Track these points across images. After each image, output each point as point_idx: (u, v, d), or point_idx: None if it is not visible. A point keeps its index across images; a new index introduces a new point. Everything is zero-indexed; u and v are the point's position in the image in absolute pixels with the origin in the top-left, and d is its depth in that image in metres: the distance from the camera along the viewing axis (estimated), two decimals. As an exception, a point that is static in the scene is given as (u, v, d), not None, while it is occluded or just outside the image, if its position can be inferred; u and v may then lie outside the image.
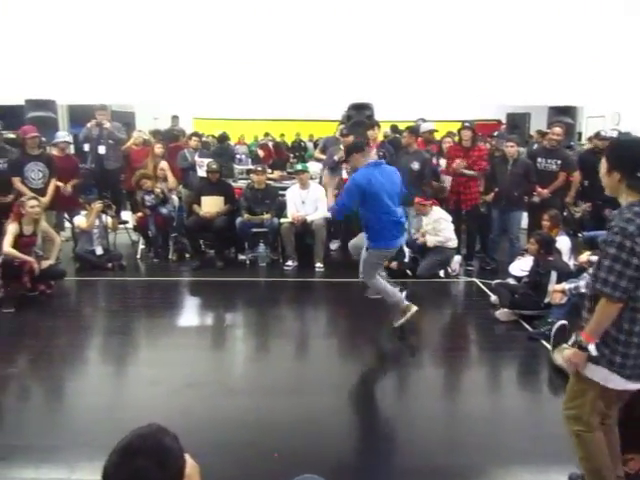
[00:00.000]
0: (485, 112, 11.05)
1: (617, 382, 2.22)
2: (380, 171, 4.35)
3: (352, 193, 4.24)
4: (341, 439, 3.24)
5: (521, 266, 5.57)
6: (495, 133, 8.56)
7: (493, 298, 5.39)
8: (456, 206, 6.61)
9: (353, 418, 3.47)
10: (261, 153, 8.21)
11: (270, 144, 11.92)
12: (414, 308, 4.57)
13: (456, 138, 6.93)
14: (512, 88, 8.85)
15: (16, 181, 6.18)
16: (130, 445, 1.24)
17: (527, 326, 4.79)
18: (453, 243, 6.32)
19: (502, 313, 4.99)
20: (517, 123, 10.04)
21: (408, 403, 3.69)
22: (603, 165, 2.27)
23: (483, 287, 5.98)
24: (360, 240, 4.88)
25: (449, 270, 6.42)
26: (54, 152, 6.86)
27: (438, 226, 6.29)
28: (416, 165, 6.62)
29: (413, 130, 7.00)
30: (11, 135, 7.45)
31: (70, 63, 8.76)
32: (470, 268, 6.63)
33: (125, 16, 8.76)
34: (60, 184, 6.53)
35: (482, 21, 8.74)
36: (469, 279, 6.35)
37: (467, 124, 6.62)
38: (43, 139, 6.58)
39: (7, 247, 5.26)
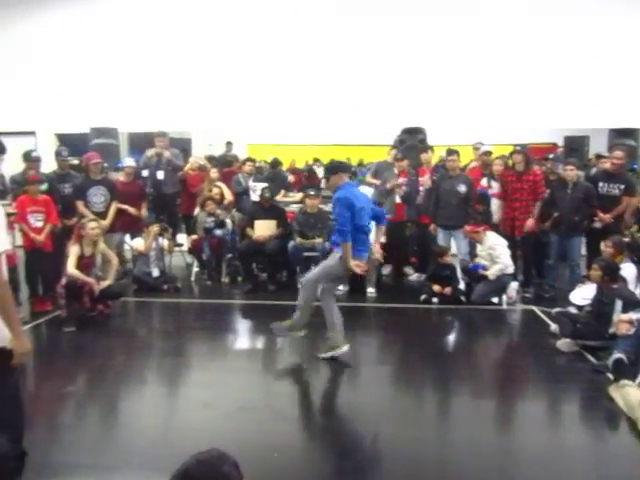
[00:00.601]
0: (540, 135, 10.79)
1: None
2: (357, 189, 4.69)
3: (344, 211, 4.29)
4: (392, 466, 3.15)
5: (583, 294, 5.34)
6: (550, 155, 8.31)
7: (553, 327, 5.17)
8: (511, 231, 6.42)
9: (403, 447, 3.35)
10: (291, 178, 8.28)
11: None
12: (347, 346, 4.50)
13: (509, 161, 6.79)
14: (570, 110, 8.64)
15: (79, 204, 6.45)
16: (187, 472, 1.23)
17: (590, 358, 4.56)
18: (510, 269, 6.12)
19: (563, 343, 4.77)
20: (575, 146, 9.75)
21: (462, 435, 3.53)
22: None
23: (542, 315, 5.76)
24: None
25: (505, 297, 6.22)
26: (120, 177, 7.16)
27: (494, 252, 6.10)
28: (463, 188, 6.51)
29: (458, 153, 6.90)
30: (75, 161, 7.82)
31: (131, 93, 9.20)
32: (527, 295, 6.41)
33: (181, 50, 9.15)
34: (124, 206, 6.79)
35: (538, 43, 8.62)
36: (526, 307, 6.13)
37: (518, 148, 6.50)
38: (105, 165, 6.86)
39: (71, 268, 5.47)
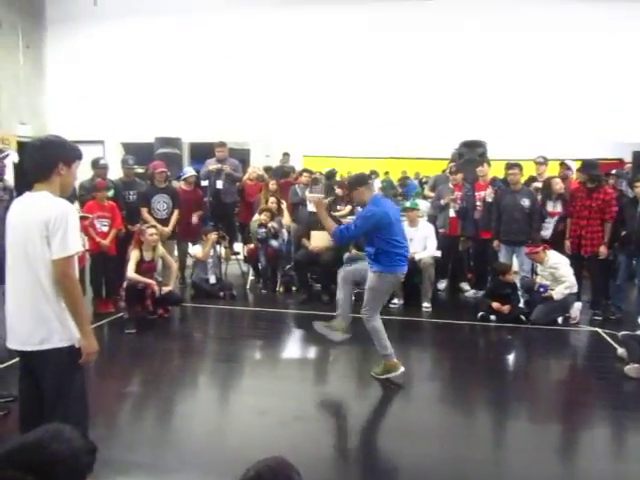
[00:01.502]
0: (606, 150, 10.39)
1: None
2: (389, 203, 4.60)
3: (367, 224, 4.22)
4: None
5: (652, 317, 5.08)
6: (613, 171, 7.95)
7: (620, 351, 4.91)
8: (577, 249, 6.18)
9: (453, 467, 3.24)
10: (339, 191, 8.27)
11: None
12: (402, 369, 4.36)
13: (574, 176, 6.54)
14: (638, 125, 8.29)
15: (144, 211, 6.68)
16: (260, 477, 1.24)
17: (662, 385, 4.32)
18: (574, 289, 5.89)
19: (632, 369, 4.52)
20: (645, 162, 9.35)
21: (516, 459, 3.37)
22: None
23: (607, 338, 5.50)
24: (355, 268, 4.76)
25: (568, 317, 5.98)
26: (182, 186, 7.37)
27: (557, 272, 5.88)
28: (527, 202, 6.33)
29: (521, 167, 6.70)
30: (140, 170, 8.11)
31: (193, 105, 9.50)
32: (597, 318, 6.11)
33: (242, 63, 9.39)
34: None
35: (604, 55, 8.34)
36: (591, 328, 5.87)
37: (582, 167, 6.23)
38: (169, 173, 7.08)
39: (131, 272, 5.66)
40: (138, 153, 8.03)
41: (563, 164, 7.38)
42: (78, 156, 2.60)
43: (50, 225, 2.37)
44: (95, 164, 6.63)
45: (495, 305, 5.99)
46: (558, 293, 5.82)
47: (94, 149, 8.82)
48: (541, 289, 5.97)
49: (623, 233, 5.98)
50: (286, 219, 7.54)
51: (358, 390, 4.47)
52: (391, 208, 4.48)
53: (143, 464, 3.13)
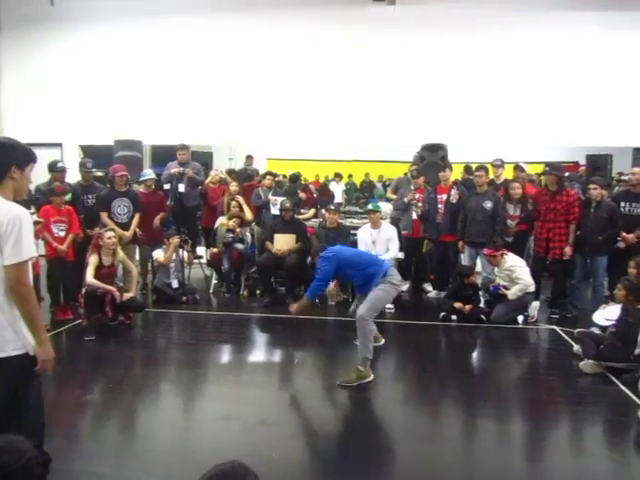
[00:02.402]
0: (562, 153, 10.70)
1: None
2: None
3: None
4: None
5: (606, 315, 5.26)
6: (566, 174, 8.19)
7: (576, 348, 5.08)
8: (545, 252, 6.31)
9: (419, 464, 3.29)
10: (303, 196, 8.28)
11: (312, 187, 11.82)
12: (372, 376, 4.45)
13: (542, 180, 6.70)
14: (593, 128, 8.56)
15: (103, 215, 6.53)
16: None
17: (615, 380, 4.46)
18: (531, 288, 6.05)
19: (587, 365, 4.68)
20: (598, 165, 9.62)
21: (481, 459, 3.45)
22: None
23: (564, 336, 5.66)
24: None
25: (527, 316, 6.14)
26: (141, 189, 7.24)
27: (512, 274, 6.05)
28: (489, 204, 6.47)
29: (487, 170, 6.86)
30: (99, 173, 7.93)
31: (155, 107, 9.35)
32: (555, 316, 6.28)
33: (205, 65, 9.30)
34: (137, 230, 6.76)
35: (560, 60, 8.59)
36: (549, 327, 6.04)
37: (548, 169, 6.37)
38: (129, 177, 6.95)
39: (90, 278, 5.52)
40: (97, 156, 7.86)
41: (517, 167, 7.59)
42: (32, 159, 2.53)
43: (2, 230, 2.29)
44: (52, 167, 6.47)
45: (457, 305, 6.10)
46: (513, 294, 5.98)
47: (51, 152, 8.57)
48: (494, 288, 6.14)
49: (577, 233, 6.17)
50: (248, 215, 7.44)
51: (323, 393, 4.48)
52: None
53: (103, 475, 3.06)
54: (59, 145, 9.54)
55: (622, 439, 3.74)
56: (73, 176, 7.08)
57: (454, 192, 6.87)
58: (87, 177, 6.79)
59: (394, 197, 7.76)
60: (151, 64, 9.47)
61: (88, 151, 9.29)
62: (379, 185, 14.84)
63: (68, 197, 6.24)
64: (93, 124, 9.45)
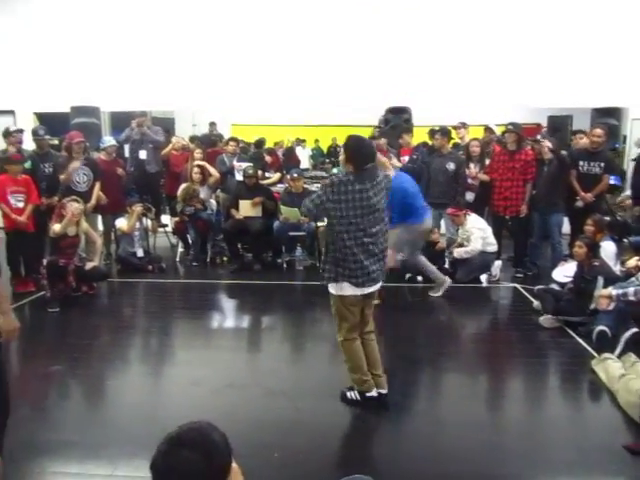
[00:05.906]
0: (524, 115, 10.83)
1: None
2: None
3: None
4: (378, 443, 3.21)
5: (564, 272, 5.43)
6: (538, 136, 8.31)
7: (536, 304, 5.25)
8: (503, 211, 6.44)
9: (389, 423, 3.40)
10: (269, 159, 8.22)
11: (279, 151, 11.74)
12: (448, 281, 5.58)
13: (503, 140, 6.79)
14: (553, 90, 8.65)
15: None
16: (178, 436, 1.25)
17: (572, 333, 4.65)
18: (493, 248, 6.18)
19: (546, 319, 4.85)
20: (558, 126, 9.78)
21: (447, 410, 3.61)
22: None
23: (525, 293, 5.84)
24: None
25: (489, 275, 6.29)
26: (101, 156, 7.04)
27: (471, 236, 6.18)
28: (452, 166, 6.55)
29: (445, 132, 6.90)
30: (55, 141, 7.66)
31: (113, 72, 9.00)
32: (519, 275, 6.44)
33: (164, 28, 8.97)
34: (101, 194, 6.63)
35: (521, 23, 8.59)
36: (510, 284, 6.21)
37: (510, 127, 6.44)
38: (87, 144, 6.73)
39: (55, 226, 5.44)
40: (53, 124, 7.61)
41: (488, 128, 7.64)
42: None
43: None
44: (7, 133, 6.21)
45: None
46: (458, 253, 6.16)
47: (4, 119, 8.22)
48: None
49: (533, 192, 6.29)
50: (214, 174, 7.33)
51: (291, 355, 4.55)
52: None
53: (69, 442, 3.05)
54: (11, 112, 9.16)
55: (576, 387, 3.94)
56: (28, 145, 6.83)
57: (404, 159, 6.97)
58: (41, 145, 6.52)
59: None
60: (109, 26, 9.04)
61: (43, 119, 8.94)
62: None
63: (28, 165, 6.03)
64: (48, 90, 9.05)
